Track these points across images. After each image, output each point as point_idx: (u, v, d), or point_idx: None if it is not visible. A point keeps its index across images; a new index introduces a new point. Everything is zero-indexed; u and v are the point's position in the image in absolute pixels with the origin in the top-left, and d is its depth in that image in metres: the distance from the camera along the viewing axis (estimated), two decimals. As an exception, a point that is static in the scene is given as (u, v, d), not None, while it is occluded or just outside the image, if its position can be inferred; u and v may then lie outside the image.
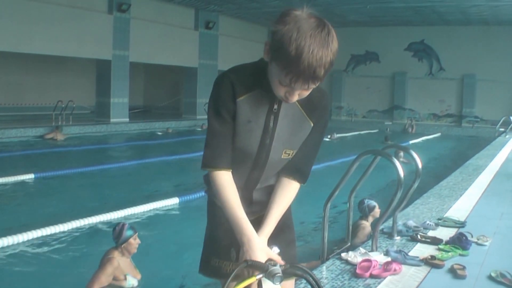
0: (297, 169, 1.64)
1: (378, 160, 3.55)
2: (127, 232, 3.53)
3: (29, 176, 7.38)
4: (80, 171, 8.19)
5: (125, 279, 3.52)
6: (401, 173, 3.22)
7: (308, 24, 1.34)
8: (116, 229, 3.56)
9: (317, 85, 1.42)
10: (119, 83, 15.34)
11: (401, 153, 8.15)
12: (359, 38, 20.60)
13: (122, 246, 3.53)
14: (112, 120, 15.14)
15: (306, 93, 1.45)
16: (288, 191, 1.64)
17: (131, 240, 3.55)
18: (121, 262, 3.51)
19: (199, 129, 15.41)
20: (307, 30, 1.33)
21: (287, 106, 1.55)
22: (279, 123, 1.55)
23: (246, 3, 16.34)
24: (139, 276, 3.67)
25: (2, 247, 4.41)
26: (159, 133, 14.23)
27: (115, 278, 3.49)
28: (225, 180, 1.55)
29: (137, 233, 3.61)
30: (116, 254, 3.53)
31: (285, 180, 1.65)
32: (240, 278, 1.42)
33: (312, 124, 1.59)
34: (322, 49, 1.33)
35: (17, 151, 10.22)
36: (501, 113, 16.98)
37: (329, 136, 13.64)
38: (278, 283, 1.40)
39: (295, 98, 1.44)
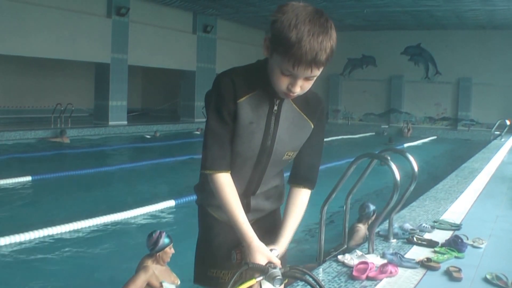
0: (305, 176, 1.65)
1: (374, 163, 3.60)
2: (165, 241, 3.42)
3: (26, 179, 7.39)
4: (78, 174, 8.22)
5: (161, 286, 3.42)
6: (397, 176, 3.26)
7: (306, 11, 1.37)
8: (153, 236, 3.45)
9: (320, 71, 1.40)
10: (118, 86, 15.35)
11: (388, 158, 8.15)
12: (356, 42, 20.66)
13: (158, 254, 3.43)
14: (110, 123, 15.15)
15: (308, 85, 1.44)
16: (300, 200, 1.65)
17: (167, 249, 3.44)
18: (156, 270, 3.42)
19: (197, 133, 15.28)
20: (306, 16, 1.35)
21: (287, 109, 1.55)
22: (280, 125, 1.55)
23: (243, 7, 16.39)
24: (177, 281, 3.57)
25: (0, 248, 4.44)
26: (147, 137, 14.11)
27: (151, 286, 3.40)
28: (226, 182, 1.54)
29: (172, 242, 3.50)
30: (150, 263, 3.43)
31: (296, 190, 1.66)
32: (240, 280, 1.45)
33: (312, 126, 1.60)
34: (322, 33, 1.35)
35: (15, 154, 10.22)
36: (496, 116, 17.09)
37: None
38: (278, 285, 1.42)
39: (298, 89, 1.42)
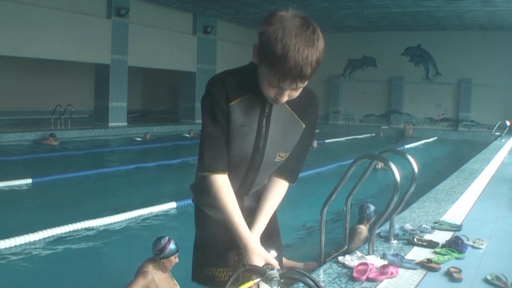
0: (287, 169, 1.67)
1: (374, 164, 3.59)
2: (172, 249, 3.34)
3: (27, 181, 7.38)
4: (78, 175, 8.21)
5: None
6: (398, 177, 3.24)
7: (293, 23, 1.36)
8: (162, 242, 3.36)
9: (305, 84, 1.42)
10: (118, 87, 15.35)
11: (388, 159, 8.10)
12: (356, 43, 20.69)
13: (162, 261, 3.35)
14: (110, 124, 15.13)
15: (295, 94, 1.46)
16: (278, 190, 1.67)
17: (172, 257, 3.36)
18: (156, 276, 3.33)
19: (188, 135, 15.10)
20: (292, 29, 1.35)
21: (278, 110, 1.56)
22: (272, 127, 1.57)
23: (244, 8, 16.40)
24: None
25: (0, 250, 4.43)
26: (138, 139, 13.98)
27: None
28: (224, 184, 1.56)
29: (178, 252, 3.41)
30: (151, 268, 3.35)
31: (275, 179, 1.67)
32: (238, 282, 1.45)
33: (304, 125, 1.61)
34: (308, 47, 1.35)
35: (15, 155, 10.21)
36: (496, 117, 17.07)
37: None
38: (276, 287, 1.42)
39: (285, 98, 1.46)
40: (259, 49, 1.42)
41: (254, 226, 1.60)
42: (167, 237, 3.44)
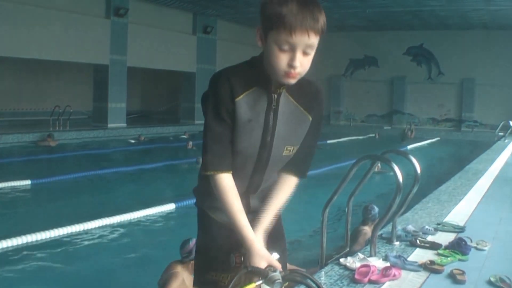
0: (295, 163, 1.64)
1: (376, 166, 3.55)
2: None
3: (25, 182, 7.36)
4: (77, 177, 8.18)
5: None
6: (400, 178, 3.21)
7: None
8: (190, 244, 3.36)
9: (316, 40, 1.39)
10: (117, 88, 15.30)
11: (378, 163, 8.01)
12: (358, 42, 20.65)
13: (191, 262, 3.33)
14: (109, 125, 15.07)
15: (306, 62, 1.42)
16: (286, 186, 1.64)
17: None
18: (185, 278, 3.33)
19: (185, 137, 14.94)
20: None
21: (284, 103, 1.54)
22: (279, 120, 1.54)
23: (244, 7, 16.37)
24: None
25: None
26: (132, 141, 13.84)
27: None
28: (228, 184, 1.53)
29: None
30: (180, 269, 3.35)
31: (283, 175, 1.65)
32: (239, 284, 1.41)
33: (310, 118, 1.59)
34: (312, 4, 1.38)
35: (14, 157, 10.18)
36: (500, 118, 17.00)
37: None
38: (278, 288, 1.40)
39: (298, 63, 1.40)
40: (263, 22, 1.42)
41: (260, 222, 1.58)
42: (194, 239, 3.40)
